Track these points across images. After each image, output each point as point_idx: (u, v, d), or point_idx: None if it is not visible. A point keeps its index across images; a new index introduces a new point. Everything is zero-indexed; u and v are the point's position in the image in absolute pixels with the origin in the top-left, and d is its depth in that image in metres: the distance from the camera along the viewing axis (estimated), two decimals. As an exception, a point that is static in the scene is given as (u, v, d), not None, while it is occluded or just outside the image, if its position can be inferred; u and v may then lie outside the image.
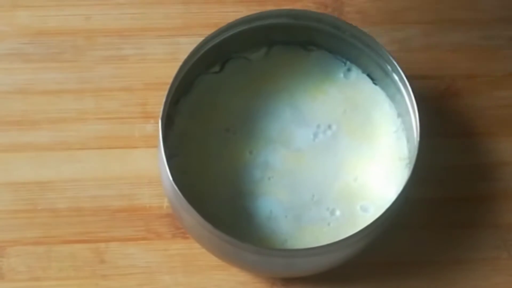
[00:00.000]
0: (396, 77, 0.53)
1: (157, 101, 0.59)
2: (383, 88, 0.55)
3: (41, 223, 0.56)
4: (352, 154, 0.54)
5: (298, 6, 0.62)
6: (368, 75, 0.56)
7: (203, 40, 0.53)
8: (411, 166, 0.51)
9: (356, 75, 0.56)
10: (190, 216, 0.49)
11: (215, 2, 0.63)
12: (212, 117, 0.55)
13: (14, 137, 0.58)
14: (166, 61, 0.61)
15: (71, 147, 0.59)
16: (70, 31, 0.62)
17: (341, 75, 0.56)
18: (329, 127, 0.55)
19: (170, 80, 0.51)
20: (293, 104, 0.55)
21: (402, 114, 0.54)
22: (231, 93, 0.55)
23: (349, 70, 0.56)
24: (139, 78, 0.61)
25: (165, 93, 0.51)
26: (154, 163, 0.58)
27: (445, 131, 0.60)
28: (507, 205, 0.58)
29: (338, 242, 0.49)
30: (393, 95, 0.55)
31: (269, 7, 0.61)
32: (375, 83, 0.56)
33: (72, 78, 0.60)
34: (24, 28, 0.62)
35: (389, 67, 0.53)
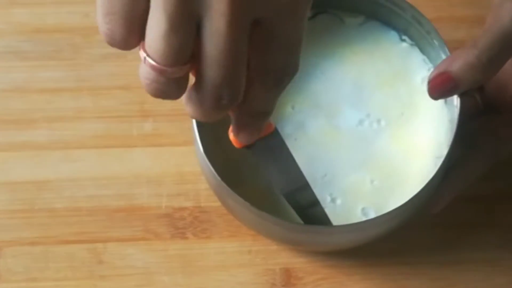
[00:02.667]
0: None
1: (156, 100, 0.59)
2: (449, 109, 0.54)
3: (38, 223, 0.56)
4: (385, 157, 0.53)
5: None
6: None
7: None
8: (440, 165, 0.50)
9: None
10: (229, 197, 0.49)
11: (214, 0, 0.63)
12: None
13: (11, 136, 0.58)
14: (165, 59, 0.60)
15: (69, 146, 0.58)
16: (68, 29, 0.61)
17: (420, 80, 0.54)
18: (378, 121, 0.53)
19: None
20: (358, 84, 0.54)
21: (452, 118, 0.53)
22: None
23: None
24: (137, 76, 0.60)
25: None
26: (153, 162, 0.58)
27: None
28: (508, 205, 0.58)
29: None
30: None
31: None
32: (446, 102, 0.54)
33: (69, 76, 0.60)
34: (21, 26, 0.62)
35: None
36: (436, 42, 0.53)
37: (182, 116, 0.58)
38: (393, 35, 0.55)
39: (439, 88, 0.50)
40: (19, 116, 0.59)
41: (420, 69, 0.55)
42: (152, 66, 0.36)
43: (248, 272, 0.55)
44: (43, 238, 0.56)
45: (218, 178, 0.48)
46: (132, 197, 0.57)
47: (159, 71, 0.36)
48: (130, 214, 0.57)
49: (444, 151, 0.51)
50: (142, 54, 0.36)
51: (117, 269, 0.55)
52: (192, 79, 0.38)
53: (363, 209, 0.52)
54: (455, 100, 0.51)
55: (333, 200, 0.52)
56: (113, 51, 0.60)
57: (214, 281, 0.55)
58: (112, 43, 0.36)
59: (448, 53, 0.52)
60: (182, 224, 0.56)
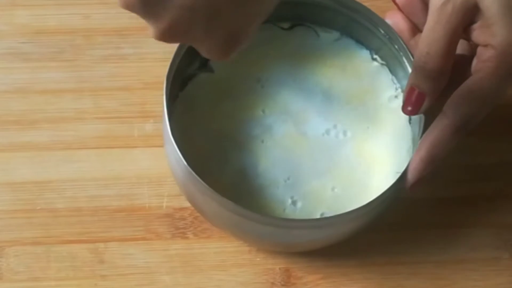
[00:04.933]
0: None
1: (156, 101, 0.59)
2: (413, 129, 0.55)
3: (40, 223, 0.56)
4: (348, 167, 0.54)
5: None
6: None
7: None
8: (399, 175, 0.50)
9: (399, 105, 0.55)
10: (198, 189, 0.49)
11: (215, 1, 0.63)
12: (247, 65, 0.55)
13: (13, 136, 0.58)
14: (165, 60, 0.60)
15: (70, 146, 0.58)
16: (69, 30, 0.62)
17: (387, 98, 0.56)
18: (344, 133, 0.54)
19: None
20: (328, 95, 0.55)
21: (415, 137, 0.54)
22: (273, 54, 0.56)
23: (396, 97, 0.56)
24: (138, 77, 0.61)
25: None
26: (154, 163, 0.58)
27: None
28: (507, 205, 0.58)
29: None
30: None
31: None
32: (410, 122, 0.55)
33: (71, 78, 0.60)
34: (23, 27, 0.62)
35: None
36: (405, 60, 0.54)
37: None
38: (365, 53, 0.56)
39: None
40: (20, 117, 0.59)
41: (388, 88, 0.56)
42: None
43: (248, 272, 0.56)
44: (45, 238, 0.56)
45: (189, 168, 0.48)
46: (133, 197, 0.57)
47: None
48: (131, 214, 0.57)
49: (404, 166, 0.52)
50: None
51: (118, 268, 0.55)
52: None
53: (322, 214, 0.52)
54: (420, 118, 0.52)
55: (293, 203, 0.53)
56: (114, 52, 0.62)
57: (214, 280, 0.55)
58: None
59: None
60: (183, 224, 0.57)
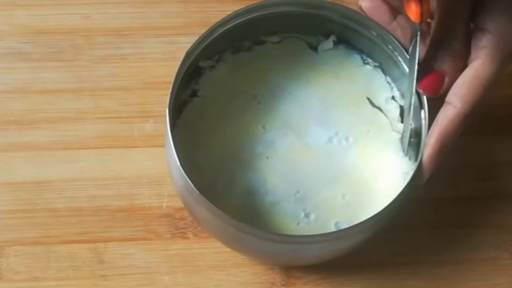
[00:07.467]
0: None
1: (157, 101, 0.59)
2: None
3: (40, 223, 0.56)
4: (355, 172, 0.54)
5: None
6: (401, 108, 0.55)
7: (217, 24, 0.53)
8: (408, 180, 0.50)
9: (396, 104, 0.55)
10: (202, 207, 0.49)
11: (214, 1, 0.63)
12: (241, 83, 0.55)
13: (13, 136, 0.58)
14: (165, 60, 0.60)
15: (70, 146, 0.58)
16: (69, 30, 0.62)
17: (383, 99, 0.56)
18: (346, 139, 0.54)
19: (174, 76, 0.51)
20: (325, 104, 0.55)
21: (417, 135, 0.54)
22: (265, 69, 0.56)
23: (393, 97, 0.56)
24: (138, 77, 0.61)
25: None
26: (154, 163, 0.58)
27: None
28: (507, 205, 0.58)
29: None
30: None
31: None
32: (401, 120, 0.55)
33: (71, 77, 0.60)
34: (23, 27, 0.62)
35: None
36: (401, 59, 0.54)
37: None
38: (356, 58, 0.56)
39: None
40: (20, 117, 0.59)
41: (383, 90, 0.56)
42: None
43: (248, 272, 0.56)
44: (45, 238, 0.56)
45: (202, 196, 0.48)
46: (133, 197, 0.57)
47: None
48: (131, 214, 0.57)
49: (410, 166, 0.52)
50: None
51: (118, 268, 0.55)
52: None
53: (336, 223, 0.52)
54: (422, 114, 0.52)
55: (307, 215, 0.52)
56: (114, 52, 0.62)
57: (214, 280, 0.55)
58: None
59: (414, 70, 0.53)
60: (183, 224, 0.57)
